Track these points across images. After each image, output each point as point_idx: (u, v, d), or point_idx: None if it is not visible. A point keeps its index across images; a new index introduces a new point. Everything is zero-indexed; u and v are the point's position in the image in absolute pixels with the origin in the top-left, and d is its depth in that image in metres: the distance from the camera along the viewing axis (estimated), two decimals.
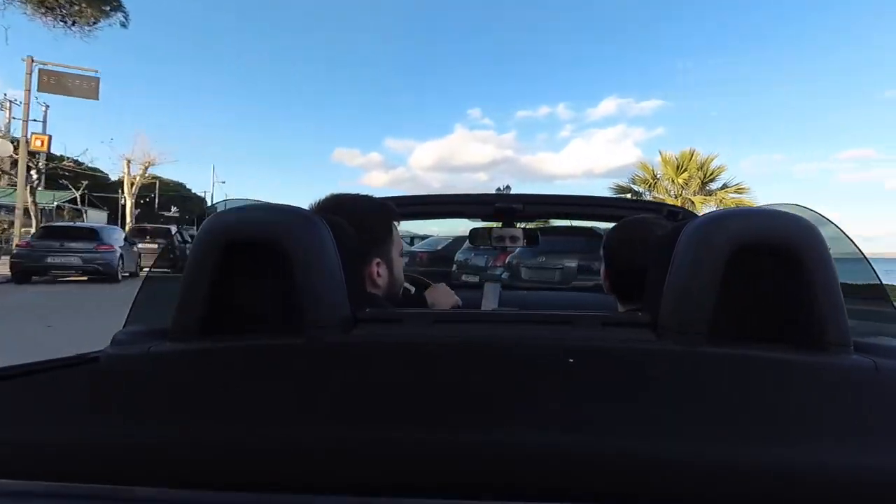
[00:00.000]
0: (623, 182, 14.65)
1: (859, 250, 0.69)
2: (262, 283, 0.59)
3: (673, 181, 13.55)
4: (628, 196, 13.64)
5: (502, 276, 6.82)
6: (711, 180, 13.59)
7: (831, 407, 0.48)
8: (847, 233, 0.70)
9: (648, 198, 13.72)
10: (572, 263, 6.49)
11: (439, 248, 9.78)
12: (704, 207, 11.99)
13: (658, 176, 13.90)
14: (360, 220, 0.79)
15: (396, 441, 0.43)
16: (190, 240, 0.69)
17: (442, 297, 1.19)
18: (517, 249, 5.56)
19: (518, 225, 1.65)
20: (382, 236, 0.94)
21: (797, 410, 0.47)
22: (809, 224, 0.53)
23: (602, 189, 14.36)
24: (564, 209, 1.69)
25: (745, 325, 0.57)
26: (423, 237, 11.42)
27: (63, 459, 0.44)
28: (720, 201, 13.05)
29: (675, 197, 13.49)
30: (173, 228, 19.06)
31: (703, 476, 0.40)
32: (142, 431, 0.45)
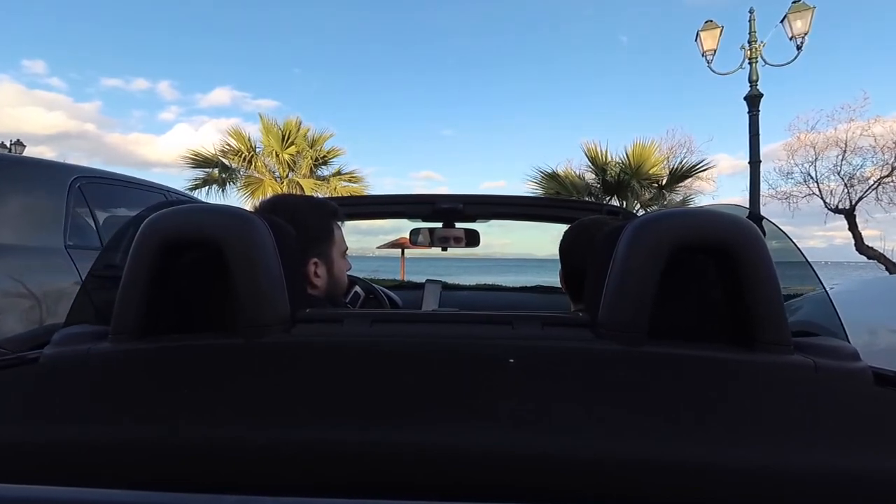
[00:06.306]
0: (208, 152, 10.33)
1: (800, 251, 0.86)
2: (203, 283, 0.60)
3: (278, 156, 10.28)
4: (214, 171, 10.18)
5: None
6: (325, 162, 10.86)
7: (771, 407, 0.48)
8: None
9: (242, 175, 10.27)
10: None
11: None
12: (317, 194, 8.64)
13: (258, 149, 10.39)
14: (296, 220, 0.78)
15: (335, 441, 0.43)
16: None
17: None
18: None
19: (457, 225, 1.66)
20: (321, 236, 0.93)
21: (737, 410, 0.47)
22: (749, 224, 0.53)
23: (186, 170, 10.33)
24: (507, 209, 1.66)
25: (686, 324, 0.57)
26: None
27: (1, 460, 0.43)
28: (334, 189, 10.57)
29: (280, 180, 10.43)
30: None
31: (644, 475, 0.40)
32: (82, 432, 0.44)
